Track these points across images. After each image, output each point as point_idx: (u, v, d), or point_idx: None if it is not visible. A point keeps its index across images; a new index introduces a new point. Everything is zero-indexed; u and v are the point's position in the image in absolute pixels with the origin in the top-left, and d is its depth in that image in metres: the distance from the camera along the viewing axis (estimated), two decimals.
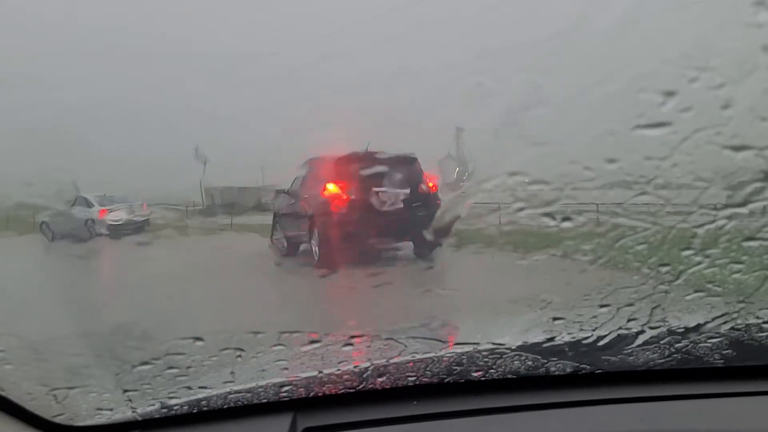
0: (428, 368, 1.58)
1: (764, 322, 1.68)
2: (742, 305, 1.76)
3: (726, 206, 1.67)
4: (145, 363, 1.90)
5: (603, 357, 1.59)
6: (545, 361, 1.56)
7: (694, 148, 1.50)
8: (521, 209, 2.05)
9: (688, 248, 1.76)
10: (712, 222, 1.71)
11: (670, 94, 1.53)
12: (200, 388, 1.58)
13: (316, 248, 9.13)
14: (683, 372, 1.59)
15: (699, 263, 1.76)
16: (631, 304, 1.75)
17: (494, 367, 1.55)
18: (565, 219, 1.97)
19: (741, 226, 1.93)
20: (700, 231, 1.74)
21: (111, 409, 1.55)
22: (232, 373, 1.70)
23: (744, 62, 1.41)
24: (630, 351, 1.59)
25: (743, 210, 1.67)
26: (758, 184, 1.61)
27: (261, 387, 1.54)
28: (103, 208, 15.12)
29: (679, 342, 1.61)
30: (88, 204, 15.43)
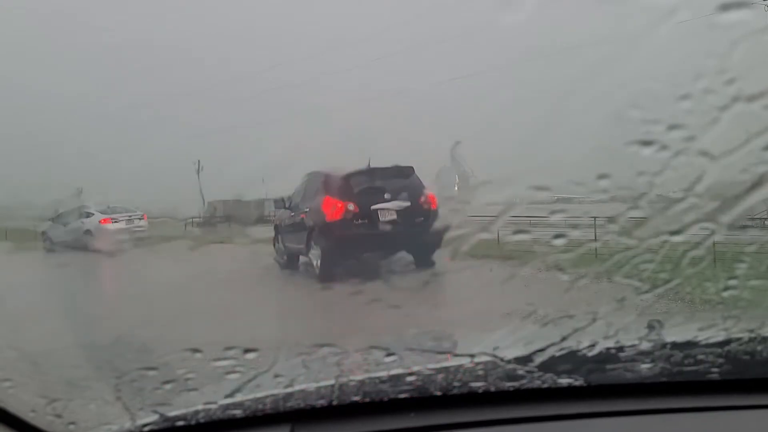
0: (425, 380, 1.59)
1: (759, 335, 1.68)
2: (736, 318, 1.77)
3: (719, 221, 1.69)
4: (144, 375, 1.91)
5: (597, 370, 1.59)
6: (541, 373, 1.57)
7: (686, 165, 1.53)
8: (516, 224, 2.07)
9: (681, 262, 1.78)
10: (706, 236, 1.72)
11: (661, 113, 1.56)
12: (199, 400, 1.59)
13: (317, 261, 9.14)
14: (678, 385, 1.60)
15: (692, 277, 1.78)
16: (625, 318, 1.76)
17: (490, 379, 1.57)
18: (559, 235, 1.99)
19: (734, 240, 1.95)
20: (694, 245, 1.76)
21: (110, 422, 1.56)
22: (231, 384, 1.70)
23: (731, 81, 1.45)
24: (624, 364, 1.60)
25: (736, 224, 1.69)
26: (750, 200, 1.63)
27: (259, 399, 1.55)
28: (104, 218, 15.12)
29: (674, 355, 1.62)
30: (89, 214, 15.43)
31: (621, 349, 1.62)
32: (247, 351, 1.85)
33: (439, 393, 1.56)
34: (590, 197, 1.99)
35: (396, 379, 1.60)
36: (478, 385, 1.56)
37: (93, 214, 15.25)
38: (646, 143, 1.59)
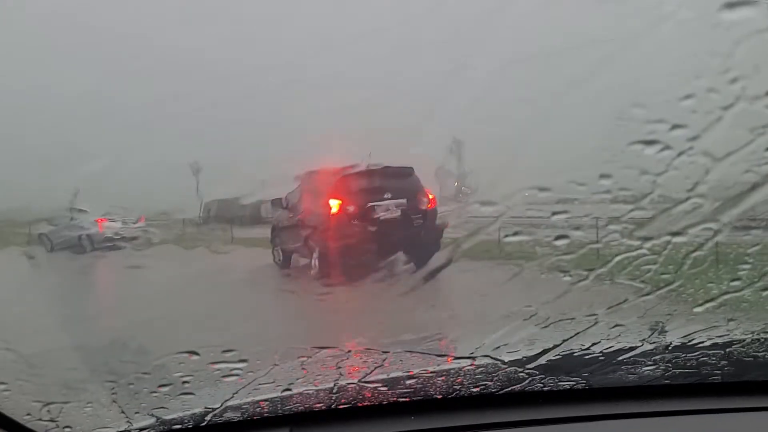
0: (425, 383, 1.58)
1: (761, 337, 1.68)
2: (738, 320, 1.76)
3: (722, 221, 1.68)
4: (141, 378, 1.89)
5: (598, 372, 1.58)
6: (542, 376, 1.56)
7: (689, 164, 1.52)
8: (517, 225, 2.06)
9: (683, 263, 1.76)
10: (709, 237, 1.71)
11: (663, 112, 1.55)
12: (196, 403, 1.58)
13: (314, 262, 9.12)
14: (679, 387, 1.59)
15: (695, 278, 1.77)
16: (626, 320, 1.75)
17: (491, 381, 1.55)
18: (561, 236, 1.98)
19: (738, 240, 1.94)
20: (697, 247, 1.74)
21: (106, 425, 1.54)
22: (229, 388, 1.69)
23: (735, 80, 1.43)
24: (626, 366, 1.59)
25: (739, 225, 1.68)
26: (753, 200, 1.62)
27: (257, 402, 1.54)
28: (100, 220, 15.09)
29: (675, 357, 1.61)
30: (85, 216, 15.39)
31: (622, 351, 1.61)
32: (244, 354, 1.83)
33: (439, 396, 1.55)
34: (592, 197, 1.98)
35: (395, 381, 1.58)
36: (478, 387, 1.55)
37: (89, 216, 15.21)
38: (649, 143, 1.57)
